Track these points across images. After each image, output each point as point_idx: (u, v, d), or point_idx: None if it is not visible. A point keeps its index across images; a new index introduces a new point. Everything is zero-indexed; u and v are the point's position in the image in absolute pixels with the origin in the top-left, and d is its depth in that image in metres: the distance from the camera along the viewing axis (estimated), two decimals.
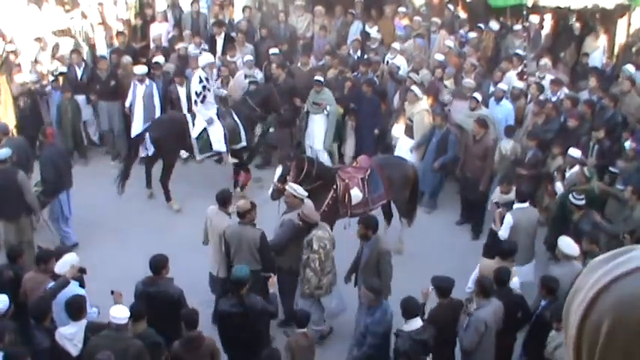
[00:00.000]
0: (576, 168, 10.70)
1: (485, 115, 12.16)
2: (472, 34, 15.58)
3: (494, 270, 7.98)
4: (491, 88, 13.39)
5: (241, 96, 13.22)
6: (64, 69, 14.36)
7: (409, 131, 12.92)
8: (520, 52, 14.86)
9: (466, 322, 7.58)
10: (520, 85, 13.42)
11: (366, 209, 10.15)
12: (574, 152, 10.87)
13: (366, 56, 15.22)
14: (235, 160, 12.73)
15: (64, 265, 7.90)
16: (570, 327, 1.36)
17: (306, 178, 9.75)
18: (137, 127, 13.48)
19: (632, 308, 1.25)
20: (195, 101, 12.35)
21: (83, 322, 7.06)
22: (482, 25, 16.01)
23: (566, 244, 8.44)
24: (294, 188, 9.02)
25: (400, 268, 10.21)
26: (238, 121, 12.46)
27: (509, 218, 9.46)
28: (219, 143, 12.30)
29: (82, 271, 8.03)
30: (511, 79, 13.78)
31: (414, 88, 12.78)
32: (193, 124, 12.30)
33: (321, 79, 13.39)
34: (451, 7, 17.21)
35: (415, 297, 7.60)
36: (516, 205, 9.67)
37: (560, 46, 16.01)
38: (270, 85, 13.32)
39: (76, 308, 7.10)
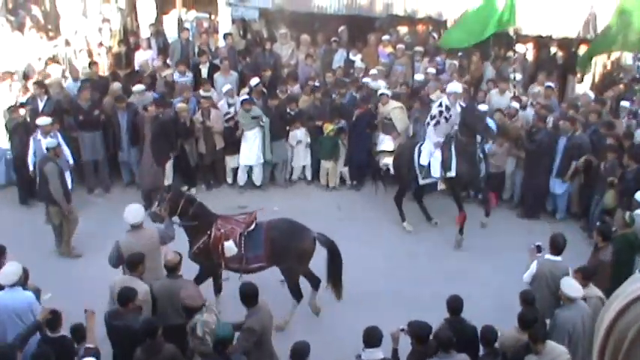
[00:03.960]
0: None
1: None
2: (454, 62, 15.86)
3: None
4: None
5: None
6: (23, 99, 13.95)
7: (386, 129, 14.25)
8: (516, 76, 15.22)
9: None
10: (515, 105, 13.87)
11: (240, 266, 9.62)
12: None
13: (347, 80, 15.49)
14: (443, 187, 12.76)
15: (7, 275, 7.76)
16: (601, 329, 1.45)
17: (183, 214, 9.65)
18: None
19: None
20: (428, 123, 12.42)
21: None
22: (461, 53, 16.33)
23: (569, 285, 8.06)
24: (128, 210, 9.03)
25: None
26: (453, 151, 12.22)
27: (533, 266, 8.81)
28: (436, 170, 12.37)
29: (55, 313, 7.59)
30: (492, 99, 14.56)
31: (385, 90, 14.38)
32: (419, 151, 12.45)
33: (247, 97, 13.94)
34: (435, 35, 17.40)
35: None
36: (547, 256, 8.86)
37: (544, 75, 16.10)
38: (464, 112, 12.45)
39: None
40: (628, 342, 1.36)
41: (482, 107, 13.04)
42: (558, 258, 8.77)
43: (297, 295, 9.92)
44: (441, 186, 12.69)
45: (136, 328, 7.35)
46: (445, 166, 12.23)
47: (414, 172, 12.56)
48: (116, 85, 14.42)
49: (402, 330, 7.44)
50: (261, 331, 7.60)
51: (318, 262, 9.99)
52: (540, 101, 14.26)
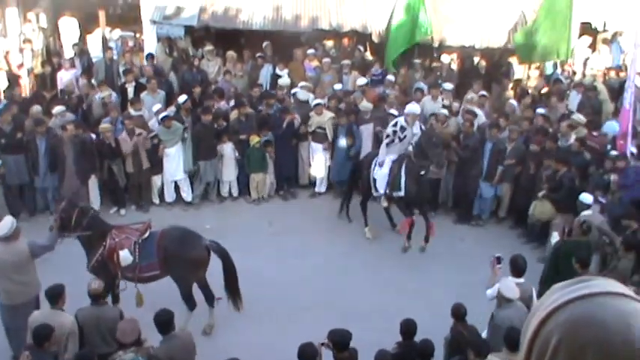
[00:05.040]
0: (589, 212, 10.49)
1: None
2: (390, 77, 16.04)
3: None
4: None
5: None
6: None
7: (318, 138, 14.65)
8: (445, 86, 15.62)
9: None
10: (444, 111, 14.27)
11: (134, 275, 9.57)
12: (586, 198, 10.81)
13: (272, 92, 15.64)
14: (385, 205, 12.87)
15: None
16: (526, 337, 1.50)
17: (77, 225, 9.58)
18: None
19: (577, 328, 1.41)
20: (383, 140, 12.68)
21: None
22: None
23: (506, 287, 8.17)
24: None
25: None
26: (403, 171, 12.23)
27: (496, 287, 8.49)
28: (379, 185, 12.57)
29: None
30: (425, 105, 14.80)
31: (319, 100, 14.70)
32: (376, 163, 12.69)
33: (167, 114, 13.88)
34: (361, 48, 17.59)
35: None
36: (511, 278, 8.65)
37: (468, 84, 16.42)
38: (423, 136, 12.30)
39: None
40: (551, 351, 1.43)
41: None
42: (521, 280, 8.67)
43: (190, 304, 9.83)
44: (384, 203, 12.80)
45: None
46: (393, 184, 12.37)
47: (369, 183, 12.84)
48: (35, 109, 13.88)
49: (323, 344, 7.25)
50: None
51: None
52: (468, 107, 14.50)
